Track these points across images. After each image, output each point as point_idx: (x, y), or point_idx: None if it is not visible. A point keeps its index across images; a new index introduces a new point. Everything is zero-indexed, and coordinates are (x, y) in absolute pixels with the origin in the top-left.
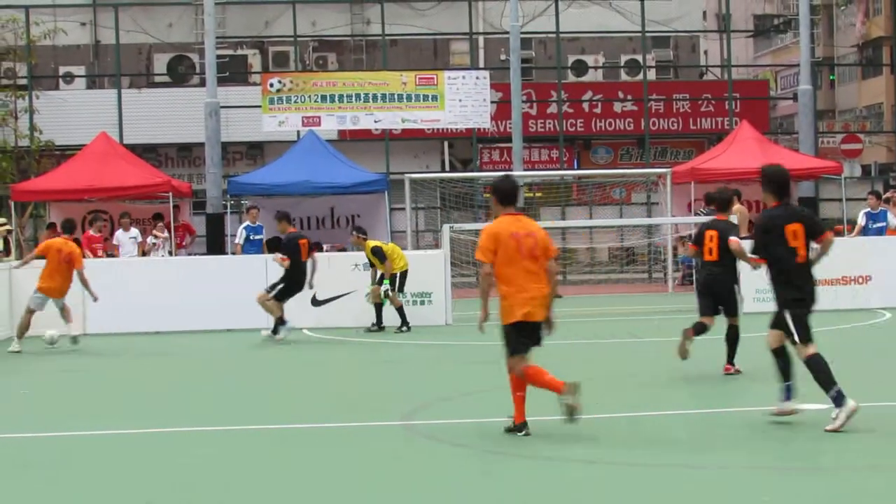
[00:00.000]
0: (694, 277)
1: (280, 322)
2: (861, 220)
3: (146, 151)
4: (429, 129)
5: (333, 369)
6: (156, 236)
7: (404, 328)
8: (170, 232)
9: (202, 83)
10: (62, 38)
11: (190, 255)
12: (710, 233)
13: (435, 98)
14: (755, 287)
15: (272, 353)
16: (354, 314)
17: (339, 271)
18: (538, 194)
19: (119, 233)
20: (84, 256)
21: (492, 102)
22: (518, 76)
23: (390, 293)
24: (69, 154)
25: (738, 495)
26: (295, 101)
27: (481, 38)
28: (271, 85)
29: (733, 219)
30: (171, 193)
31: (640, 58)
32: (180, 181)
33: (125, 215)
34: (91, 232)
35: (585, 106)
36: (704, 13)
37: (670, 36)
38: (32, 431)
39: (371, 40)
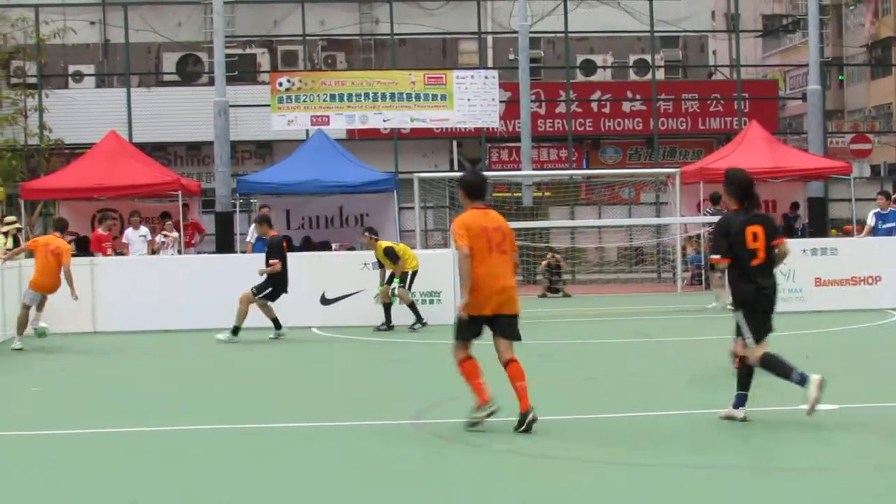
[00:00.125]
0: (704, 277)
1: (236, 330)
2: (871, 221)
3: (155, 150)
4: (437, 129)
5: (342, 368)
6: (165, 235)
7: (418, 325)
8: (179, 231)
9: (211, 82)
10: (72, 36)
11: (199, 253)
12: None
13: (444, 97)
14: None
15: (281, 352)
16: (363, 313)
17: (347, 270)
18: (547, 194)
19: (129, 231)
20: (93, 254)
21: (500, 102)
22: (527, 76)
23: (397, 291)
24: (79, 152)
25: (744, 495)
26: (304, 101)
27: (490, 38)
28: (280, 84)
29: None
30: (180, 192)
31: (648, 57)
32: (189, 180)
33: (135, 213)
34: (100, 230)
35: (594, 105)
36: (713, 13)
37: (679, 36)
38: (44, 429)
39: (380, 39)
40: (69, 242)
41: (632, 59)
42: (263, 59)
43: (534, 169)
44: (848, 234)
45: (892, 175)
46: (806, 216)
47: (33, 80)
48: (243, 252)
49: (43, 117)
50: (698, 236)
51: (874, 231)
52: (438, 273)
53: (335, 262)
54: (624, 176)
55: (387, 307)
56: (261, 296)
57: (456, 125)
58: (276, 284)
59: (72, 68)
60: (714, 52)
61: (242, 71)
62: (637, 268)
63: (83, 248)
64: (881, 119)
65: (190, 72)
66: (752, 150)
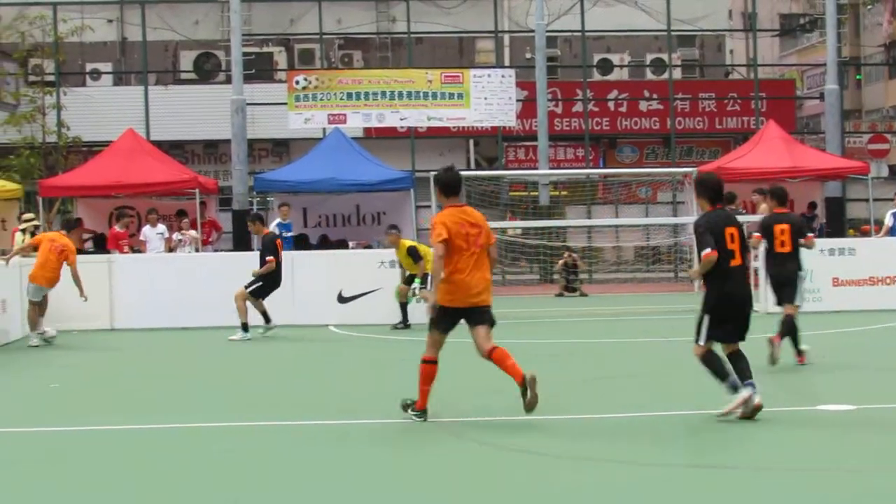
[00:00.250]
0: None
1: (245, 326)
2: (888, 221)
3: (173, 148)
4: (454, 127)
5: (356, 366)
6: (182, 233)
7: (401, 325)
8: (196, 229)
9: (228, 80)
10: (89, 35)
11: (216, 251)
12: (782, 226)
13: (460, 96)
14: None
15: (296, 350)
16: (380, 311)
17: (364, 269)
18: (564, 193)
19: (146, 229)
20: (110, 252)
21: (517, 101)
22: (544, 74)
23: (418, 291)
24: (96, 150)
25: (755, 496)
26: (321, 99)
27: (507, 37)
28: (297, 82)
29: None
30: (197, 190)
31: (665, 57)
32: (207, 178)
33: (152, 211)
34: (117, 228)
35: (611, 105)
36: (730, 12)
37: (696, 35)
38: (63, 426)
39: (396, 38)
40: (86, 240)
41: (649, 58)
42: (280, 58)
43: (550, 168)
44: (866, 234)
45: None
46: (823, 216)
47: (51, 78)
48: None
49: (61, 115)
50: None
51: (892, 231)
52: None
53: (352, 261)
54: (641, 175)
55: (403, 306)
56: (249, 290)
57: (473, 124)
58: (269, 280)
59: (89, 66)
60: (731, 52)
61: (259, 69)
62: (654, 267)
63: (100, 245)
64: None
65: (207, 70)
66: (770, 150)
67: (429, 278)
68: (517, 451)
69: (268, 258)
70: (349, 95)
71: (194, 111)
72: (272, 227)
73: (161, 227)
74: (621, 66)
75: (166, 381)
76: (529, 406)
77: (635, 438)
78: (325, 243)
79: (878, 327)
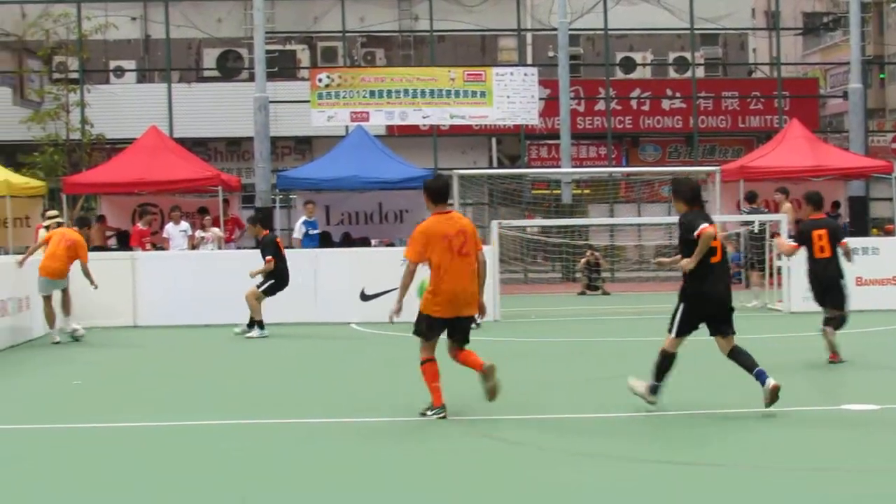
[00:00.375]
0: (772, 270)
1: (257, 324)
2: None
3: (196, 145)
4: (477, 125)
5: (382, 364)
6: (204, 228)
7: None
8: (219, 226)
9: (251, 78)
10: (113, 32)
11: (239, 248)
12: (819, 231)
13: (483, 94)
14: (804, 287)
15: (317, 347)
16: (403, 310)
17: (387, 266)
18: (586, 191)
19: (169, 226)
20: (133, 249)
21: (540, 99)
22: (566, 73)
23: None
24: (120, 147)
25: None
26: (343, 97)
27: (529, 35)
28: (320, 80)
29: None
30: (220, 187)
31: (688, 55)
32: (229, 175)
33: (175, 209)
34: (140, 225)
35: (633, 103)
36: (753, 10)
37: (719, 33)
38: (85, 422)
39: (419, 36)
40: (110, 238)
41: (671, 56)
42: (303, 56)
43: (573, 166)
44: (889, 233)
45: None
46: (847, 215)
47: (75, 76)
48: (292, 248)
49: (85, 112)
50: (738, 235)
51: None
52: None
53: (375, 258)
54: (663, 174)
55: None
56: (262, 289)
57: (495, 122)
58: (277, 279)
59: (113, 64)
60: (754, 50)
61: (282, 67)
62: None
63: (124, 242)
64: None
65: (230, 67)
66: (793, 149)
67: None
68: (543, 448)
69: (267, 258)
70: (372, 93)
71: (217, 109)
72: (298, 224)
73: (184, 225)
74: (644, 65)
75: (186, 379)
76: (489, 395)
77: (655, 436)
78: (347, 241)
79: None
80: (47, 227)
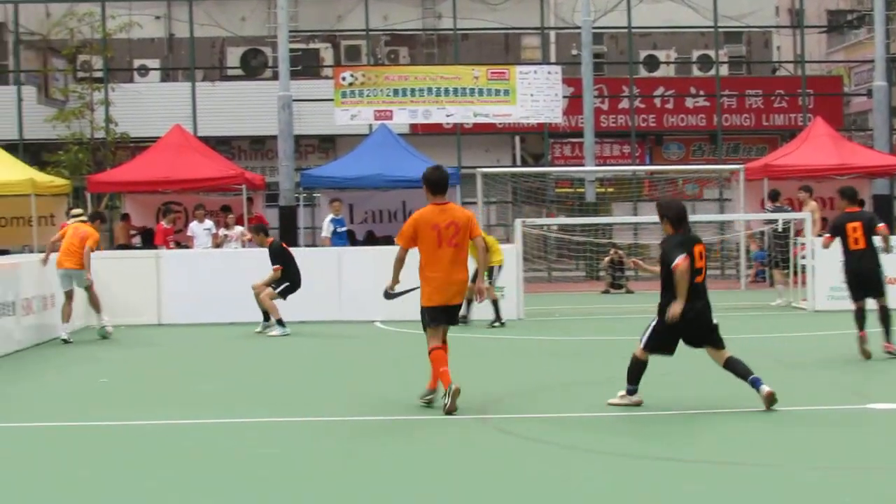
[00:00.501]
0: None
1: (277, 322)
2: None
3: (220, 144)
4: (500, 124)
5: (405, 362)
6: (227, 226)
7: (497, 323)
8: (242, 225)
9: (275, 76)
10: (137, 31)
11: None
12: (854, 224)
13: (507, 92)
14: (829, 285)
15: (343, 346)
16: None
17: (411, 265)
18: (610, 189)
19: (193, 224)
20: (157, 248)
21: (563, 97)
22: (590, 71)
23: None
24: (144, 146)
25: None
26: (367, 95)
27: (553, 33)
28: (343, 78)
29: (807, 215)
30: (244, 186)
31: (712, 53)
32: (253, 173)
33: (199, 207)
34: (163, 223)
35: (657, 101)
36: (777, 8)
37: (743, 31)
38: (111, 420)
39: (443, 34)
40: (133, 236)
41: (695, 54)
42: (327, 54)
43: (597, 164)
44: None
45: None
46: None
47: (100, 75)
48: (322, 246)
49: (109, 111)
50: (762, 233)
51: None
52: (503, 269)
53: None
54: (687, 172)
55: (494, 303)
56: (278, 291)
57: (519, 120)
58: (291, 282)
59: (137, 62)
60: (778, 48)
61: (306, 65)
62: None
63: (147, 241)
64: None
65: (254, 66)
66: (817, 147)
67: (495, 270)
68: (580, 449)
69: (274, 267)
70: (395, 92)
71: (241, 107)
72: (326, 222)
73: (208, 223)
74: (668, 63)
75: (209, 378)
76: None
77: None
78: (371, 239)
79: None
80: None
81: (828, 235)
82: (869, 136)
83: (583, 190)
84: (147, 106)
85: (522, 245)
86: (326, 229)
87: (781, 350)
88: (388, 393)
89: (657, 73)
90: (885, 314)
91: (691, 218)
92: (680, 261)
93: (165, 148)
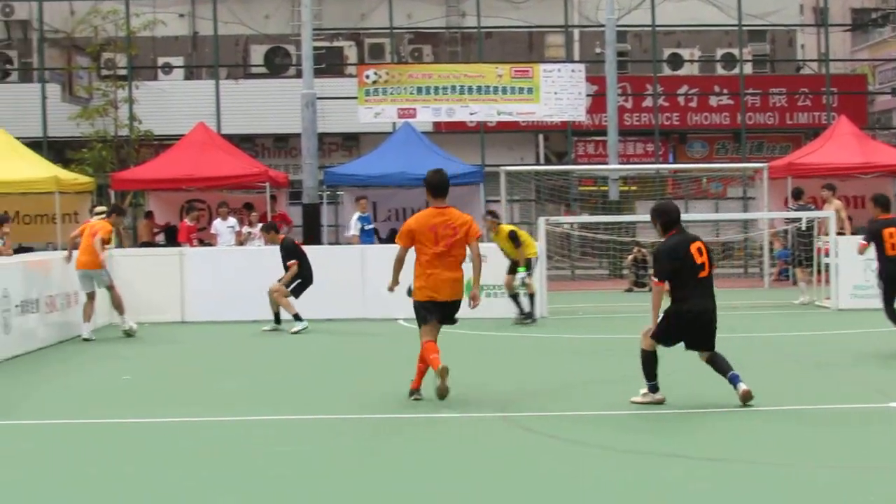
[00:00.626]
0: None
1: (296, 317)
2: None
3: (243, 141)
4: (524, 122)
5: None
6: (251, 224)
7: (529, 320)
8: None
9: (298, 74)
10: (161, 29)
11: None
12: (891, 230)
13: (530, 91)
14: (853, 283)
15: (368, 344)
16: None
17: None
18: (633, 188)
19: (217, 222)
20: (180, 245)
21: (587, 95)
22: (614, 69)
23: (527, 280)
24: (168, 144)
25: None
26: (391, 93)
27: (576, 31)
28: (367, 76)
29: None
30: (268, 183)
31: (736, 51)
32: (277, 171)
33: (223, 205)
34: (187, 221)
35: (681, 100)
36: (801, 6)
37: (767, 29)
38: (134, 417)
39: (466, 33)
40: (157, 234)
41: (719, 52)
42: (350, 52)
43: (620, 163)
44: None
45: None
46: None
47: (124, 72)
48: (350, 244)
49: (133, 109)
50: (785, 232)
51: None
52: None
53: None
54: (711, 170)
55: (514, 297)
56: (291, 288)
57: (542, 118)
58: (302, 279)
59: (161, 60)
60: (802, 46)
61: (330, 63)
62: (724, 263)
63: (171, 238)
64: None
65: (277, 64)
66: (841, 146)
67: (533, 262)
68: (601, 447)
69: (289, 263)
70: (419, 90)
71: (265, 105)
72: (353, 220)
73: (232, 221)
74: (691, 61)
75: (230, 375)
76: (440, 394)
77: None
78: (394, 237)
79: None
80: None
81: (863, 241)
82: (893, 135)
83: (606, 188)
84: (171, 104)
85: (546, 243)
86: (354, 227)
87: (804, 348)
88: (408, 390)
89: (681, 72)
90: None
91: (715, 217)
92: (656, 283)
93: (189, 146)
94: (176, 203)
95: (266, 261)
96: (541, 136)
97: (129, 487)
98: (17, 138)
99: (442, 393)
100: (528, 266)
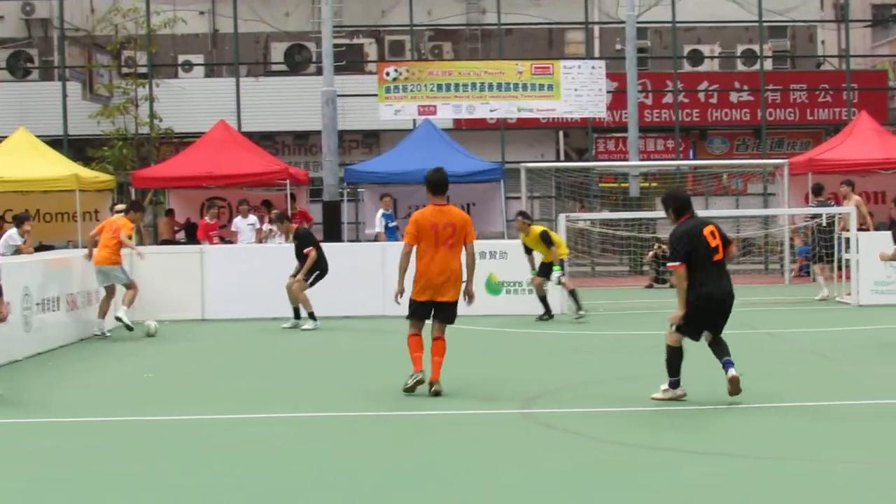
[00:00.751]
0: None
1: (309, 316)
2: None
3: (263, 139)
4: (544, 119)
5: (450, 356)
6: (271, 221)
7: (581, 311)
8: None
9: (319, 72)
10: (181, 27)
11: None
12: None
13: (550, 87)
14: (874, 279)
15: (387, 341)
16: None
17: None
18: (654, 184)
19: (237, 219)
20: (200, 242)
21: (607, 92)
22: (634, 66)
23: (563, 279)
24: (188, 141)
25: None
26: (411, 90)
27: (597, 28)
28: (387, 74)
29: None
30: (288, 181)
31: (756, 47)
32: (297, 169)
33: (243, 202)
34: (206, 219)
35: (701, 96)
36: (822, 2)
37: (787, 25)
38: (156, 415)
39: (486, 29)
40: (178, 231)
41: (739, 49)
42: (371, 49)
43: (640, 159)
44: None
45: None
46: None
47: (144, 70)
48: (376, 240)
49: (153, 106)
50: (806, 227)
51: None
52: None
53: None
54: (731, 167)
55: (542, 298)
56: (309, 281)
57: (562, 115)
58: (319, 269)
59: (181, 58)
60: (823, 42)
61: (350, 61)
62: (743, 259)
63: (191, 235)
64: None
65: (298, 61)
66: (862, 141)
67: (564, 263)
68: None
69: (305, 250)
70: (439, 87)
71: (285, 102)
72: (378, 217)
73: (252, 218)
74: (712, 58)
75: (250, 373)
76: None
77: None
78: None
79: None
80: None
81: None
82: None
83: (626, 185)
84: (191, 101)
85: (566, 239)
86: (379, 224)
87: (824, 345)
88: (427, 388)
89: (701, 68)
90: None
91: (736, 213)
92: (675, 265)
93: (209, 143)
94: (196, 200)
95: (287, 258)
96: (561, 133)
97: (148, 485)
98: (38, 136)
99: (407, 390)
100: (561, 266)
